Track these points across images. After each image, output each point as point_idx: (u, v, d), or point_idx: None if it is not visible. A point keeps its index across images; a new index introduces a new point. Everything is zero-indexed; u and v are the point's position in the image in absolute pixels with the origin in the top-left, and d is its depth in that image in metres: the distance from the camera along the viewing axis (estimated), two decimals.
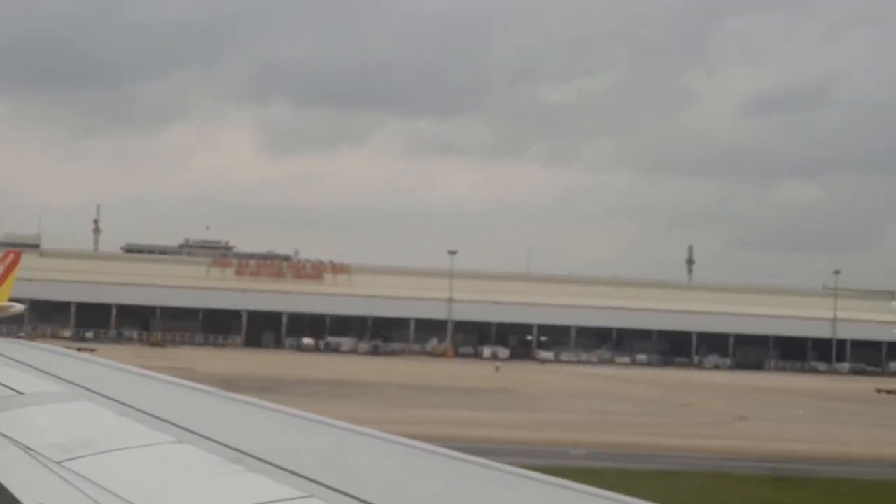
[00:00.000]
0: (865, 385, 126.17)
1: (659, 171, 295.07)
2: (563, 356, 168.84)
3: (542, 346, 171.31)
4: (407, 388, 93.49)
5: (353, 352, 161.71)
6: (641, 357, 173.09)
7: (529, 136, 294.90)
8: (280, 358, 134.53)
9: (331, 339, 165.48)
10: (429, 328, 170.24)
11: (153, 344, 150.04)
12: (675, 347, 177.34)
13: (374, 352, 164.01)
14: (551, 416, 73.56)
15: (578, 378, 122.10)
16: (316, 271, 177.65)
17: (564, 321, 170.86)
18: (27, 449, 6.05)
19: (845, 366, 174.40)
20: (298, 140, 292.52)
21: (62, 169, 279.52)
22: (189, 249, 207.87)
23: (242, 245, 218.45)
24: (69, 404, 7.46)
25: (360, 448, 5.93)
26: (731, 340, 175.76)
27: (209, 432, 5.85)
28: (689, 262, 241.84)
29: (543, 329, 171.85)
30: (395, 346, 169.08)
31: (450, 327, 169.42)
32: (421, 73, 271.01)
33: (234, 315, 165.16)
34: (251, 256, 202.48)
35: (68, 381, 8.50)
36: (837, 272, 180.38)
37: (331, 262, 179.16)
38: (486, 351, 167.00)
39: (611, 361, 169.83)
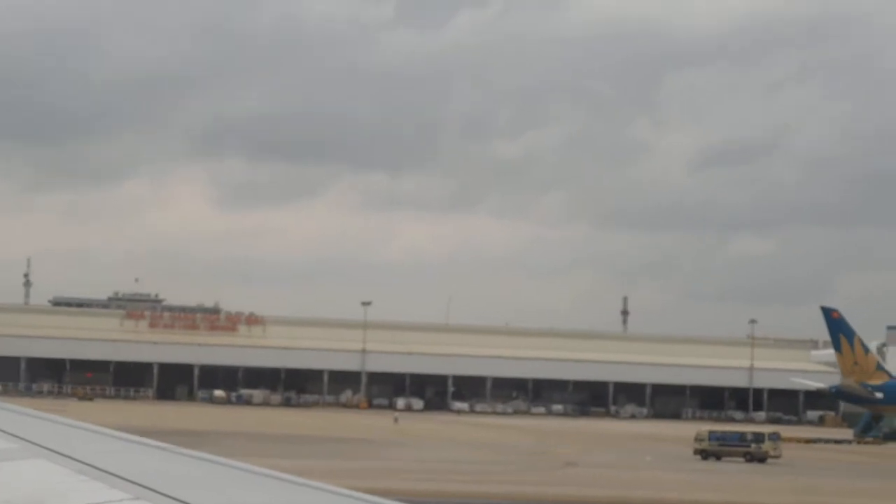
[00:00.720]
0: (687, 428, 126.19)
1: (610, 224, 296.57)
2: (478, 407, 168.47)
3: (457, 397, 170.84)
4: (269, 437, 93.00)
5: (266, 403, 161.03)
6: (557, 407, 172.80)
7: (482, 189, 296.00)
8: (175, 410, 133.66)
9: (243, 391, 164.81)
10: (344, 380, 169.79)
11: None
12: (594, 397, 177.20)
13: (287, 403, 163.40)
14: (397, 464, 73.35)
15: (469, 428, 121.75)
16: (230, 323, 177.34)
17: (480, 372, 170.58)
18: None
19: (762, 415, 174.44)
20: (251, 194, 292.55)
21: (7, 222, 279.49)
22: (118, 302, 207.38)
23: (172, 298, 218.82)
24: (24, 462, 7.35)
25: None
26: (649, 390, 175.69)
27: (166, 489, 5.76)
28: (624, 312, 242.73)
29: (459, 380, 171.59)
30: (309, 397, 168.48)
31: (364, 378, 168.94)
32: (374, 128, 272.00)
33: (146, 368, 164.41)
34: (182, 309, 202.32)
35: (23, 439, 8.35)
36: (753, 321, 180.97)
37: (247, 314, 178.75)
38: (400, 402, 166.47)
39: (526, 412, 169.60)
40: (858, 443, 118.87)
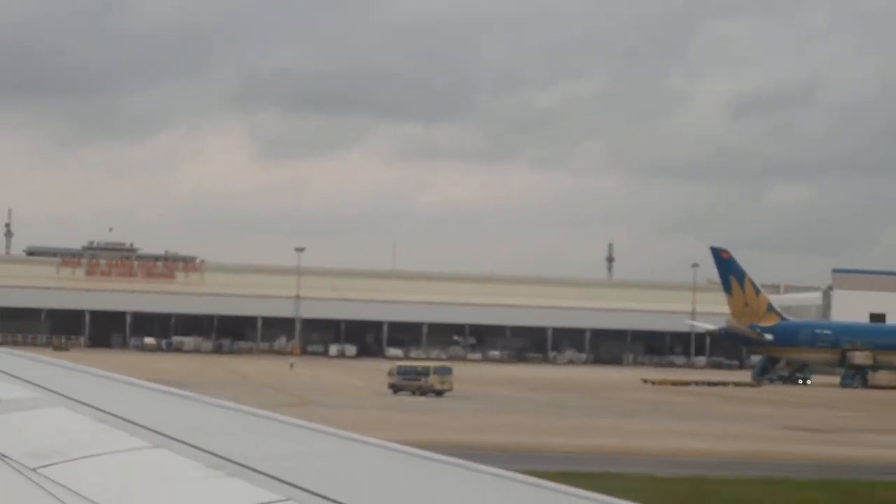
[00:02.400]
0: (651, 374, 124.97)
1: (646, 174, 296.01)
2: (413, 353, 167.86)
3: (394, 343, 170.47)
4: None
5: (197, 351, 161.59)
6: (494, 353, 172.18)
7: (517, 140, 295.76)
8: (91, 358, 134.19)
9: (175, 338, 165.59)
10: (280, 327, 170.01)
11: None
12: (536, 344, 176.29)
13: (218, 350, 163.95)
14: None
15: (352, 373, 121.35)
16: (168, 269, 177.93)
17: (417, 318, 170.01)
18: (2, 456, 5.96)
19: (702, 360, 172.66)
20: (286, 147, 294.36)
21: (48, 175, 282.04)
22: (92, 252, 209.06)
23: (147, 247, 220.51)
24: (44, 410, 7.39)
25: (338, 452, 5.85)
26: (588, 335, 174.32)
27: (187, 437, 5.79)
28: (609, 259, 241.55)
29: (396, 326, 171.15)
30: (244, 344, 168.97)
31: (297, 325, 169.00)
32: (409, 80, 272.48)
33: (79, 315, 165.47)
34: (154, 258, 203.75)
35: (43, 388, 8.37)
36: (696, 265, 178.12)
37: (182, 260, 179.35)
38: (333, 349, 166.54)
39: (463, 358, 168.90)
40: (753, 386, 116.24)
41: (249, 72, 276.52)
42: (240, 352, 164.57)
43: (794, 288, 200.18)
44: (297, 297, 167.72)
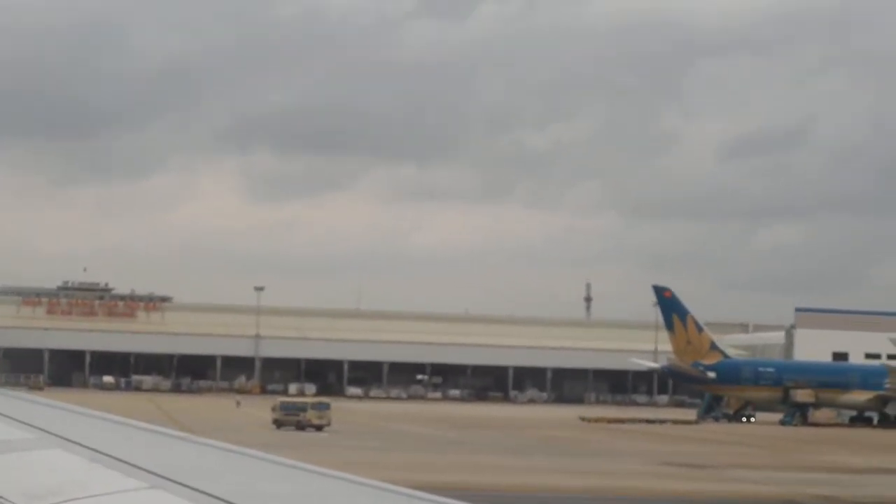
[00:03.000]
0: (599, 413, 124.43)
1: (639, 214, 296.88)
2: (373, 392, 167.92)
3: (356, 382, 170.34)
4: None
5: (156, 389, 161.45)
6: (454, 392, 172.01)
7: (511, 180, 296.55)
8: (52, 396, 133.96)
9: (134, 377, 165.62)
10: (241, 366, 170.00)
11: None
12: (499, 383, 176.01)
13: (177, 389, 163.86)
14: None
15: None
16: (129, 309, 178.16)
17: (377, 357, 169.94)
18: None
19: (664, 398, 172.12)
20: (278, 188, 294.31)
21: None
22: (66, 292, 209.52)
23: (121, 287, 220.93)
24: (40, 451, 7.41)
25: (334, 493, 5.92)
26: (549, 374, 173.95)
27: (182, 478, 5.79)
28: (587, 299, 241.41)
29: (356, 365, 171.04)
30: (203, 383, 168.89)
31: (257, 364, 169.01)
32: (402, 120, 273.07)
33: (39, 354, 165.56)
34: (130, 298, 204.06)
35: (38, 428, 8.42)
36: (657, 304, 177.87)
37: (146, 299, 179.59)
38: (293, 388, 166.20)
39: (423, 397, 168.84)
40: (692, 423, 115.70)
41: (241, 112, 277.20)
42: (199, 391, 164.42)
43: (762, 327, 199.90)
44: (257, 336, 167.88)
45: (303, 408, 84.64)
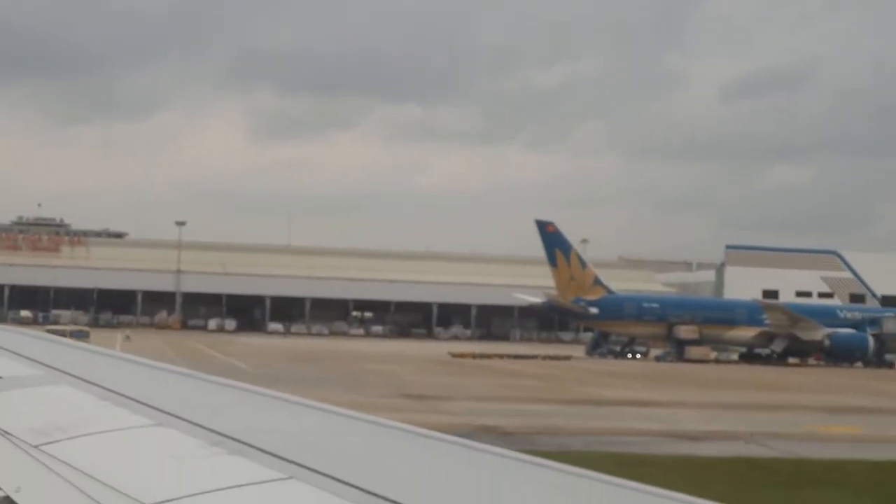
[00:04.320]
0: (468, 347, 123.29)
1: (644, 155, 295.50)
2: (294, 328, 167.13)
3: (279, 318, 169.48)
4: None
5: (74, 323, 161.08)
6: (377, 328, 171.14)
7: (515, 121, 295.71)
8: None
9: (53, 311, 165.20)
10: (165, 301, 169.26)
11: None
12: (426, 319, 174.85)
13: (95, 324, 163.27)
14: None
15: (172, 344, 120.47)
16: (53, 244, 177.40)
17: (299, 293, 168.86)
18: (4, 433, 6.03)
19: (589, 334, 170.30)
20: (283, 127, 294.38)
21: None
22: (21, 227, 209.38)
23: (78, 223, 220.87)
24: (48, 388, 7.48)
25: (341, 430, 5.92)
26: (474, 311, 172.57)
27: (190, 415, 5.88)
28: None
29: (278, 301, 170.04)
30: (124, 318, 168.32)
31: (178, 299, 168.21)
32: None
33: None
34: (84, 233, 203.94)
35: (47, 365, 8.49)
36: (585, 241, 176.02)
37: (68, 235, 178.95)
38: (212, 323, 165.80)
39: (345, 333, 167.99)
40: (565, 359, 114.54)
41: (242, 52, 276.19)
42: (118, 325, 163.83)
43: (705, 265, 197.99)
44: (178, 272, 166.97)
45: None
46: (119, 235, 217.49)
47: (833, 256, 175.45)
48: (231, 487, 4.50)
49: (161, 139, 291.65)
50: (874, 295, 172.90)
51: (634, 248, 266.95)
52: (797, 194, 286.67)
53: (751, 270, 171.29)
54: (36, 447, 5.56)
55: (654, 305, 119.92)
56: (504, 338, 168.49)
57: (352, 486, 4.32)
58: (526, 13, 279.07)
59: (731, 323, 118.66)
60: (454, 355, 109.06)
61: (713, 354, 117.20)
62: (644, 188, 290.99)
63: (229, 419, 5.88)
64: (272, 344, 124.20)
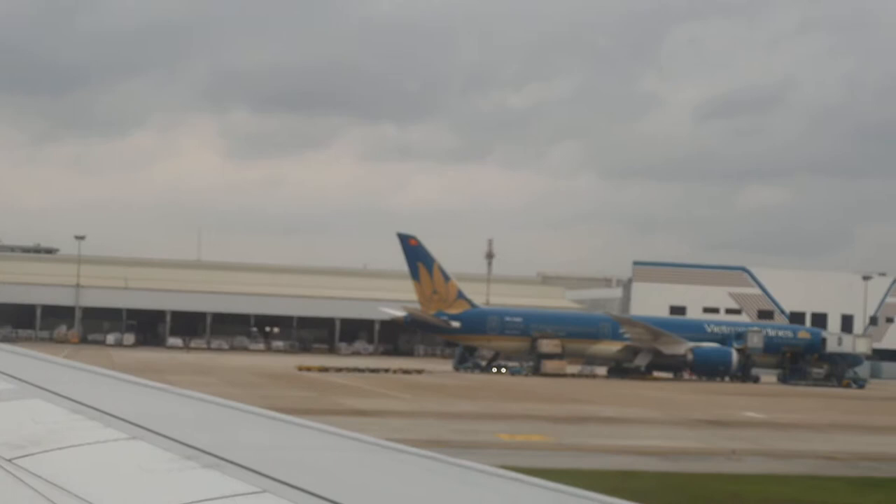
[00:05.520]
0: (316, 361, 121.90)
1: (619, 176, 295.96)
2: (193, 343, 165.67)
3: (179, 332, 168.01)
4: None
5: None
6: (278, 343, 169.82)
7: (489, 140, 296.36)
8: None
9: None
10: (65, 315, 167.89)
11: None
12: (332, 334, 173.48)
13: None
14: None
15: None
16: None
17: (200, 308, 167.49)
18: None
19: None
20: (257, 146, 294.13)
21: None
22: None
23: (8, 238, 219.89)
24: (20, 402, 7.41)
25: (315, 444, 5.91)
26: (377, 326, 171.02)
27: (163, 429, 5.83)
28: (489, 256, 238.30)
29: (178, 315, 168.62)
30: (23, 332, 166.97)
31: (78, 313, 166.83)
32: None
33: None
34: (11, 249, 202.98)
35: (19, 379, 8.39)
36: (490, 255, 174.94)
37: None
38: (110, 337, 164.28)
39: (246, 348, 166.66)
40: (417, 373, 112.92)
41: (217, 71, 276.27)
42: (16, 339, 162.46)
43: (624, 282, 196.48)
44: (78, 286, 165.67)
45: None
46: (50, 251, 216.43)
47: (742, 273, 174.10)
48: (204, 501, 4.43)
49: (132, 158, 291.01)
50: (782, 311, 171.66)
51: (605, 266, 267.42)
52: (773, 214, 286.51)
53: (658, 286, 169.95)
54: (9, 461, 5.48)
55: (517, 319, 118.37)
56: (409, 353, 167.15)
57: (326, 499, 4.26)
58: (500, 34, 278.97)
59: (595, 337, 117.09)
60: (300, 368, 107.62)
61: (568, 368, 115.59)
62: (618, 208, 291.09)
63: (203, 433, 5.83)
64: (137, 357, 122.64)
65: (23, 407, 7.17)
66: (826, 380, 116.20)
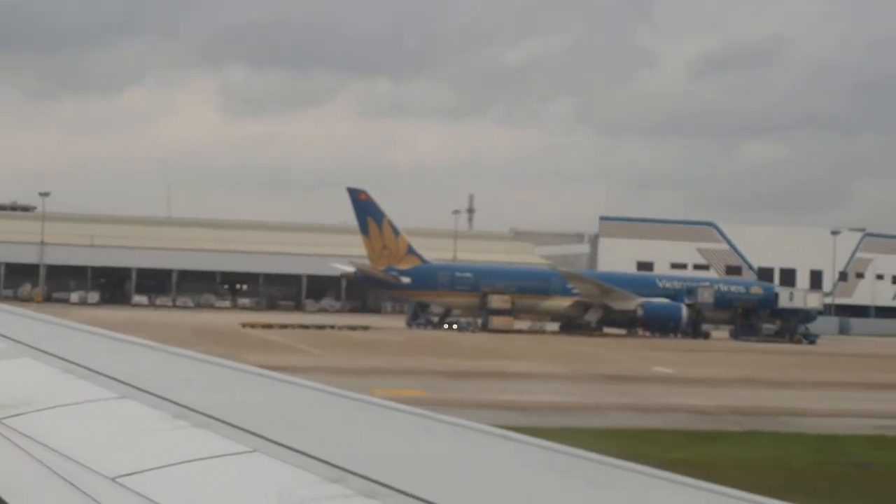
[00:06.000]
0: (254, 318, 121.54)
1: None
2: (159, 300, 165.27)
3: (145, 290, 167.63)
4: None
5: None
6: (244, 301, 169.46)
7: (485, 97, 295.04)
8: None
9: None
10: (29, 273, 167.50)
11: None
12: (298, 291, 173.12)
13: None
14: None
15: None
16: None
17: (165, 265, 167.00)
18: None
19: None
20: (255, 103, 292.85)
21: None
22: None
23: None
24: (10, 361, 7.39)
25: (306, 402, 5.90)
26: (344, 283, 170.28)
27: (153, 388, 5.83)
28: (470, 210, 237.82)
29: (145, 273, 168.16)
30: None
31: (42, 271, 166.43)
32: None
33: None
34: None
35: (9, 338, 8.40)
36: (456, 211, 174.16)
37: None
38: (74, 296, 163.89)
39: (212, 305, 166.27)
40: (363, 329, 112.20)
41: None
42: None
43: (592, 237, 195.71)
44: (42, 243, 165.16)
45: None
46: (27, 209, 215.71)
47: (710, 228, 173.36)
48: (194, 460, 4.43)
49: (130, 116, 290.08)
50: (750, 267, 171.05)
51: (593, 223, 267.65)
52: (771, 171, 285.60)
53: (625, 242, 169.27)
54: None
55: (468, 275, 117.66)
56: (377, 310, 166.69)
57: (316, 459, 4.24)
58: None
59: (547, 293, 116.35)
60: (244, 325, 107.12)
61: (519, 324, 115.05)
62: (615, 164, 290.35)
63: (193, 392, 5.85)
64: (83, 315, 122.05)
65: (13, 366, 7.15)
66: (778, 336, 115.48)
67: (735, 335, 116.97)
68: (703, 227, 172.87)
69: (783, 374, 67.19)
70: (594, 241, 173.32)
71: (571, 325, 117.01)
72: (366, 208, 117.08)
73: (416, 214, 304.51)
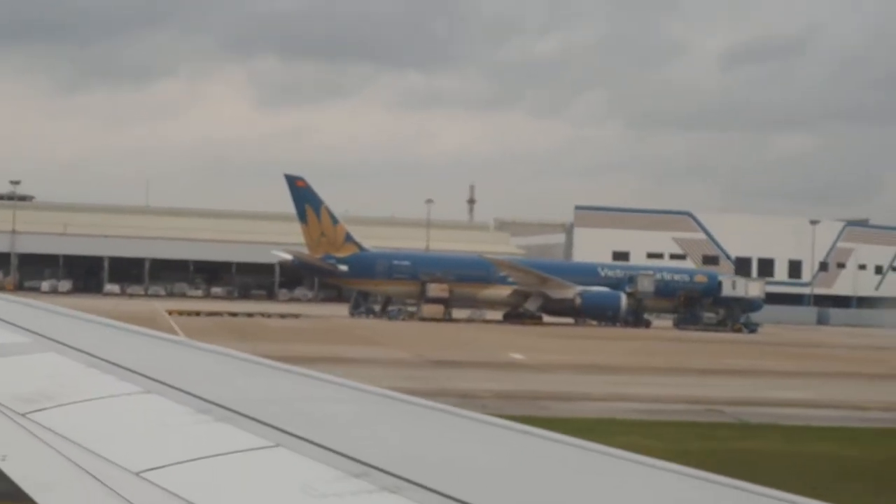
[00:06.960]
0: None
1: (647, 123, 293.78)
2: (130, 289, 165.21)
3: (118, 279, 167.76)
4: None
5: None
6: (217, 290, 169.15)
7: (516, 88, 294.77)
8: None
9: None
10: (4, 262, 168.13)
11: None
12: (272, 282, 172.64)
13: None
14: None
15: None
16: None
17: (137, 254, 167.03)
18: None
19: None
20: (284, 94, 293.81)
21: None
22: None
23: None
24: (35, 356, 7.46)
25: (329, 397, 5.92)
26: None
27: (177, 382, 5.90)
28: (471, 202, 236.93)
29: (118, 262, 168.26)
30: None
31: (14, 260, 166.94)
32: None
33: None
34: None
35: (34, 332, 8.48)
36: (430, 201, 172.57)
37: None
38: (45, 284, 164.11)
39: (184, 294, 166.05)
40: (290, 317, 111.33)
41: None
42: None
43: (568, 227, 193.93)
44: (13, 232, 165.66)
45: None
46: (24, 198, 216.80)
47: (686, 217, 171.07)
48: (218, 455, 4.43)
49: (162, 108, 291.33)
50: (728, 256, 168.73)
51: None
52: (800, 163, 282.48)
53: (600, 231, 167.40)
54: (23, 415, 5.44)
55: (406, 263, 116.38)
56: (346, 300, 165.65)
57: (340, 454, 4.24)
58: None
59: (486, 281, 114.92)
60: (170, 312, 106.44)
61: (458, 313, 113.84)
62: (645, 156, 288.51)
63: (217, 386, 5.81)
64: (56, 303, 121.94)
65: (38, 361, 7.10)
66: (720, 325, 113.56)
67: (678, 324, 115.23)
68: (680, 217, 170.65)
69: (639, 360, 65.49)
70: (569, 230, 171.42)
71: (515, 314, 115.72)
72: (303, 195, 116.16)
73: (431, 206, 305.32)
